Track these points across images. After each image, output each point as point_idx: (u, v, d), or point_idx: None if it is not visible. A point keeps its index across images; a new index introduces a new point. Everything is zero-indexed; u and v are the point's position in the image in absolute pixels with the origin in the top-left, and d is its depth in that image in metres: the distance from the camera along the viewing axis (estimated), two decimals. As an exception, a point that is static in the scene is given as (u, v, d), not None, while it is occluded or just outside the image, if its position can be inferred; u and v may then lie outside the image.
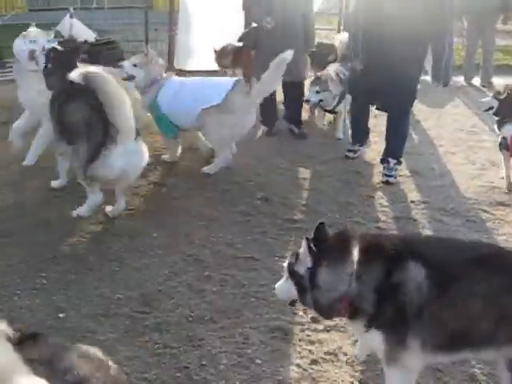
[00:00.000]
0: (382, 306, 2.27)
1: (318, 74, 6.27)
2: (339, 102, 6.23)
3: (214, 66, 8.21)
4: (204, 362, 2.84)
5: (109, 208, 4.26)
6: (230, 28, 7.56)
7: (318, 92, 6.03)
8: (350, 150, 5.80)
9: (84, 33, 7.22)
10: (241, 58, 6.90)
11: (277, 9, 5.79)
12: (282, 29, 5.77)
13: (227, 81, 5.25)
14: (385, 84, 4.98)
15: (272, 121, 6.41)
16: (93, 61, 6.55)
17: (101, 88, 3.85)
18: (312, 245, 2.31)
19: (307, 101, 6.21)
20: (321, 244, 2.33)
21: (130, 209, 4.37)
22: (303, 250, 2.34)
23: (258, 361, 2.85)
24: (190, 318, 3.15)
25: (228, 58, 7.25)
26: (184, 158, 5.37)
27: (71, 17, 7.25)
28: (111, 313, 3.15)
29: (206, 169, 5.08)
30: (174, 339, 2.98)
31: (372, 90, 5.15)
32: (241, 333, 3.07)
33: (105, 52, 6.71)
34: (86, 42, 7.01)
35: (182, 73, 8.57)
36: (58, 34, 6.95)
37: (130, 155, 4.05)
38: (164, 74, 5.26)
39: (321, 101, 6.11)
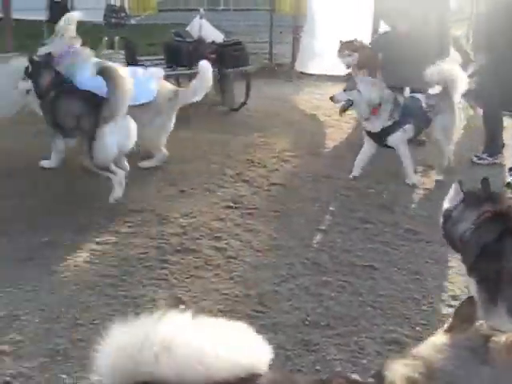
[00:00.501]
0: (482, 262, 2.58)
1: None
2: (391, 130, 4.93)
3: (337, 71, 8.17)
4: (318, 367, 2.81)
5: None
6: (357, 33, 7.45)
7: (344, 90, 4.96)
8: (476, 156, 5.66)
9: (212, 34, 7.38)
10: (368, 62, 6.75)
11: (412, 13, 5.63)
12: (414, 35, 5.61)
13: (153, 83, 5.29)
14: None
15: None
16: (221, 61, 6.73)
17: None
18: (461, 187, 2.72)
19: (331, 98, 5.14)
20: (471, 192, 2.73)
21: (250, 208, 4.43)
22: (454, 189, 2.77)
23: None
24: (307, 322, 3.13)
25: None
26: (307, 162, 5.38)
27: (201, 18, 7.43)
28: (228, 309, 3.20)
29: (141, 164, 5.14)
30: (289, 341, 2.98)
31: (499, 92, 4.98)
32: (356, 342, 3.01)
33: (231, 53, 6.83)
34: (213, 42, 7.18)
35: (302, 75, 8.63)
36: (187, 35, 7.20)
37: (121, 130, 4.43)
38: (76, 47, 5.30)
39: (350, 102, 4.92)
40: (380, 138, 4.98)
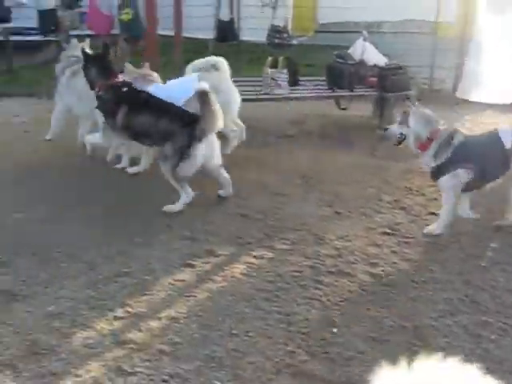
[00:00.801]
0: None
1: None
2: (439, 172, 4.37)
3: (502, 100, 7.81)
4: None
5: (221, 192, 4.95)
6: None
7: (400, 123, 4.57)
8: None
9: (374, 57, 7.34)
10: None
11: None
12: None
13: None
14: None
15: None
16: (381, 85, 6.68)
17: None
18: None
19: (385, 130, 4.83)
20: None
21: (407, 236, 4.32)
22: None
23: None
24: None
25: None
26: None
27: (364, 40, 7.42)
28: (383, 338, 3.14)
29: None
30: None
31: None
32: (520, 390, 2.83)
33: (393, 77, 6.76)
34: (375, 65, 7.15)
35: (465, 102, 8.31)
36: (349, 57, 7.22)
37: (209, 146, 4.68)
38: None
39: (403, 137, 4.52)
40: (433, 179, 4.52)
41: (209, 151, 4.68)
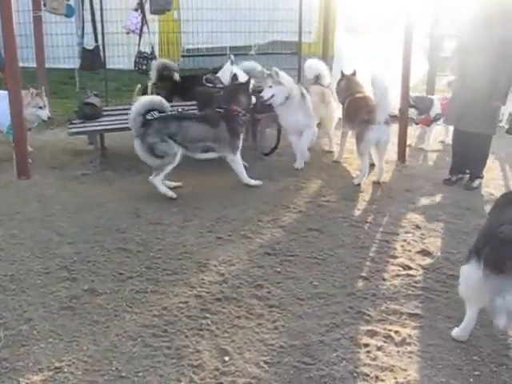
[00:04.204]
0: None
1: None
2: None
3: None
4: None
5: None
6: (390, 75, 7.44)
7: None
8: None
9: (243, 79, 7.42)
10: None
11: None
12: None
13: None
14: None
15: None
16: (252, 106, 6.73)
17: None
18: None
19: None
20: None
21: (288, 254, 4.38)
22: None
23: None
24: (355, 374, 3.04)
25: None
26: (343, 206, 5.34)
27: (232, 63, 7.50)
28: (275, 361, 3.13)
29: None
30: (339, 396, 2.89)
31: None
32: (409, 395, 2.92)
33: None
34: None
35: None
36: (218, 80, 7.25)
37: None
38: None
39: None
40: None
41: None
